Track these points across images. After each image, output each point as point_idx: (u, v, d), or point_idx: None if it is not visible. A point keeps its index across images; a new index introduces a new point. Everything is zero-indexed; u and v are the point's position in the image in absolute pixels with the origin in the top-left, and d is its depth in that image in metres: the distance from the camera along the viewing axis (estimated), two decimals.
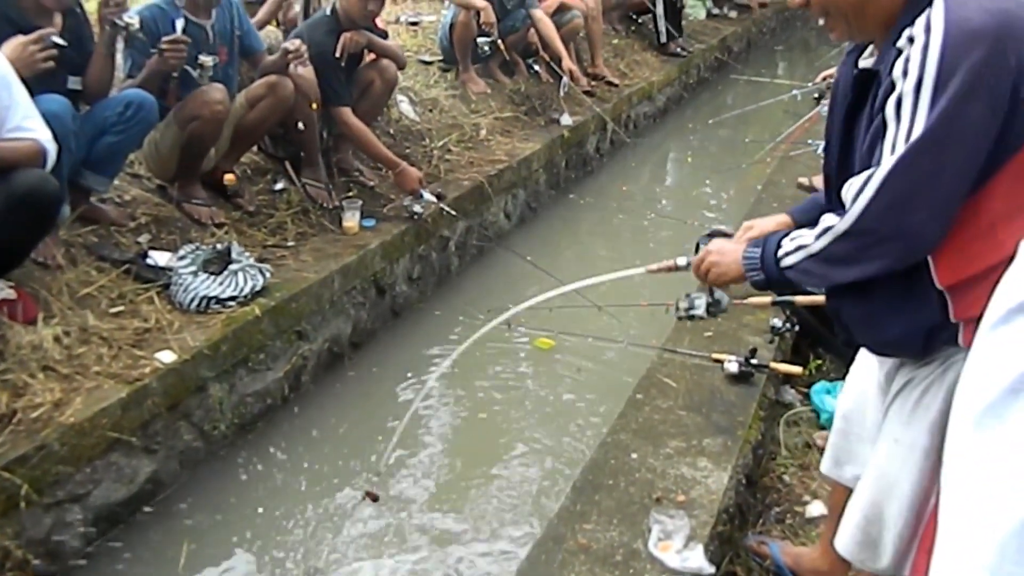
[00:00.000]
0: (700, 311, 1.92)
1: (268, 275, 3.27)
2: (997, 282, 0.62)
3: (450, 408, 3.41)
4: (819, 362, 3.17)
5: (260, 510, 2.84)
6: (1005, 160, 1.27)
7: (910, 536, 1.58)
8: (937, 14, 1.26)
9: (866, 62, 1.42)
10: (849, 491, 1.77)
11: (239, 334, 3.03)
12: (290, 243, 3.69)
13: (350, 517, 2.80)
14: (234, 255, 3.24)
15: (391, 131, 4.74)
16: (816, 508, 2.51)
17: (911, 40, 1.28)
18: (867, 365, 1.75)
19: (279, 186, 3.97)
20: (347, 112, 3.96)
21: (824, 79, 4.95)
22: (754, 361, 2.82)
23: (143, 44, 3.18)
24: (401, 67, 4.37)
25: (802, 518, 2.51)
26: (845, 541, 1.71)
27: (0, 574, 2.27)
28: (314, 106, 3.75)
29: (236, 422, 3.10)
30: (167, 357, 2.78)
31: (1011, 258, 0.63)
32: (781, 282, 1.52)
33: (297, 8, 4.71)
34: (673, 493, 2.29)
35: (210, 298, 3.06)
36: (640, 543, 2.10)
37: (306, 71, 3.69)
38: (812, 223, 1.45)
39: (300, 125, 3.79)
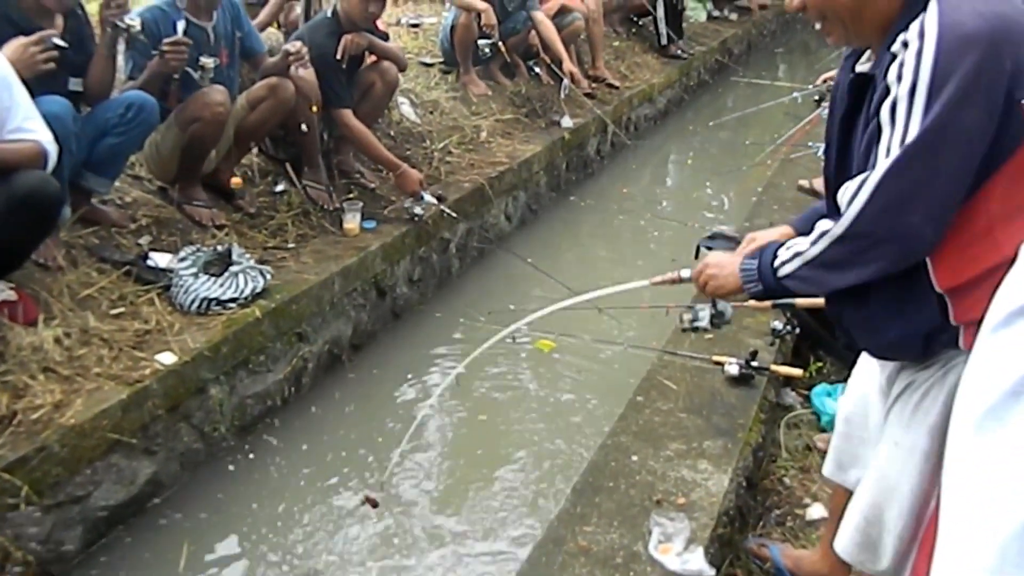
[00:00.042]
0: (704, 322, 1.94)
1: (269, 277, 3.27)
2: (997, 285, 0.62)
3: (450, 409, 3.41)
4: (819, 364, 3.17)
5: (260, 512, 2.84)
6: (1001, 162, 1.28)
7: (910, 538, 1.58)
8: (931, 19, 1.26)
9: (863, 66, 1.43)
10: (850, 494, 1.77)
11: (239, 336, 3.03)
12: (291, 245, 3.69)
13: (350, 518, 2.80)
14: (235, 257, 3.24)
15: (392, 133, 4.74)
16: (816, 511, 2.51)
17: (905, 45, 1.28)
18: (868, 368, 1.75)
19: (280, 188, 3.98)
20: (348, 114, 3.96)
21: (824, 81, 4.95)
22: (755, 363, 2.82)
23: (144, 46, 3.18)
24: (402, 69, 4.37)
25: (802, 521, 2.51)
26: (845, 543, 1.71)
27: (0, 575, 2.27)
28: (314, 109, 3.75)
29: (236, 424, 3.10)
30: (167, 359, 2.78)
31: (1010, 260, 0.63)
32: (779, 292, 1.52)
33: (298, 10, 4.71)
34: (673, 495, 2.28)
35: (210, 300, 3.06)
36: (640, 545, 2.09)
37: (307, 73, 3.70)
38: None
39: (303, 127, 3.79)
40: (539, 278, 4.04)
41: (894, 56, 1.30)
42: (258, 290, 3.19)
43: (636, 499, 2.27)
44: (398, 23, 6.03)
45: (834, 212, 1.44)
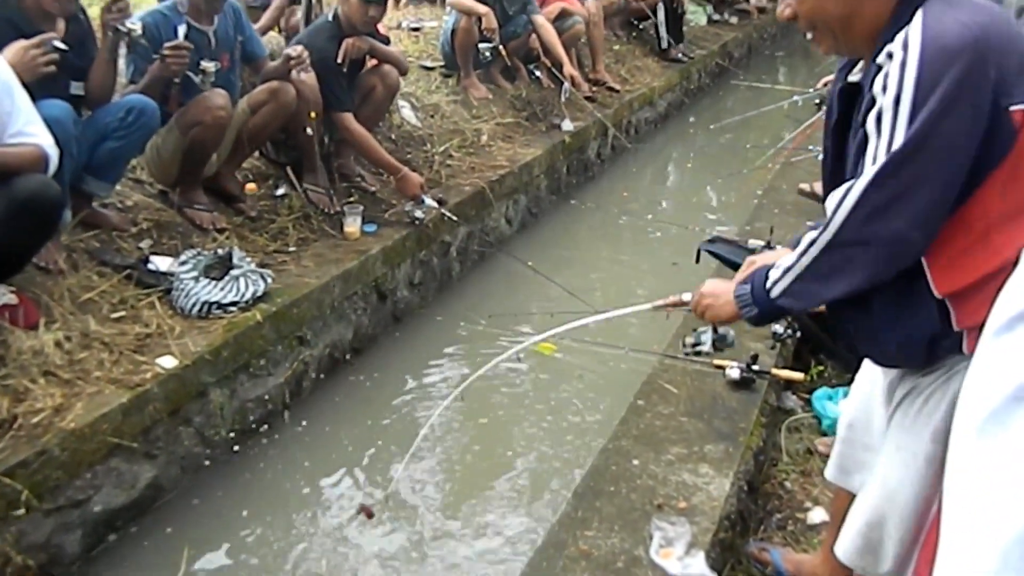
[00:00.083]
0: (706, 347, 1.96)
1: (269, 280, 3.27)
2: (999, 289, 0.62)
3: (451, 412, 3.40)
4: (820, 368, 3.17)
5: (261, 516, 2.84)
6: (992, 168, 1.29)
7: (911, 543, 1.57)
8: (915, 31, 1.28)
9: (854, 76, 1.44)
10: (851, 498, 1.77)
11: (240, 339, 3.03)
12: (291, 248, 3.69)
13: (352, 523, 2.79)
14: (235, 260, 3.24)
15: (392, 136, 4.75)
16: (818, 515, 2.51)
17: (890, 56, 1.30)
18: (871, 373, 1.75)
19: (281, 191, 3.98)
20: (349, 118, 3.97)
21: (825, 85, 4.95)
22: (755, 367, 2.82)
23: (145, 50, 3.19)
24: (403, 73, 4.37)
25: (803, 525, 2.51)
26: (846, 547, 1.71)
27: None
28: (313, 116, 3.75)
29: (237, 428, 3.10)
30: (168, 362, 2.78)
31: (1010, 264, 0.63)
32: (775, 313, 1.53)
33: (299, 14, 4.73)
34: (674, 499, 2.28)
35: (211, 303, 3.06)
36: (641, 550, 2.09)
37: (308, 77, 3.70)
38: None
39: (308, 130, 3.80)
40: (540, 281, 4.04)
41: (880, 67, 1.32)
42: (259, 294, 3.19)
43: (637, 503, 2.27)
44: (399, 27, 6.04)
45: None
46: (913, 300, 1.39)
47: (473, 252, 4.67)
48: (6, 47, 2.61)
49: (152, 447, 2.74)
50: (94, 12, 3.26)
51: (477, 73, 5.59)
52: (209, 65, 3.37)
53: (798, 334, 3.18)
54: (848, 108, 1.43)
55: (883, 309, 1.43)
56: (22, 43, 2.61)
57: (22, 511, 2.30)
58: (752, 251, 3.05)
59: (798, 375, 2.94)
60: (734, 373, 2.80)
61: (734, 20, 10.00)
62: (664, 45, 7.80)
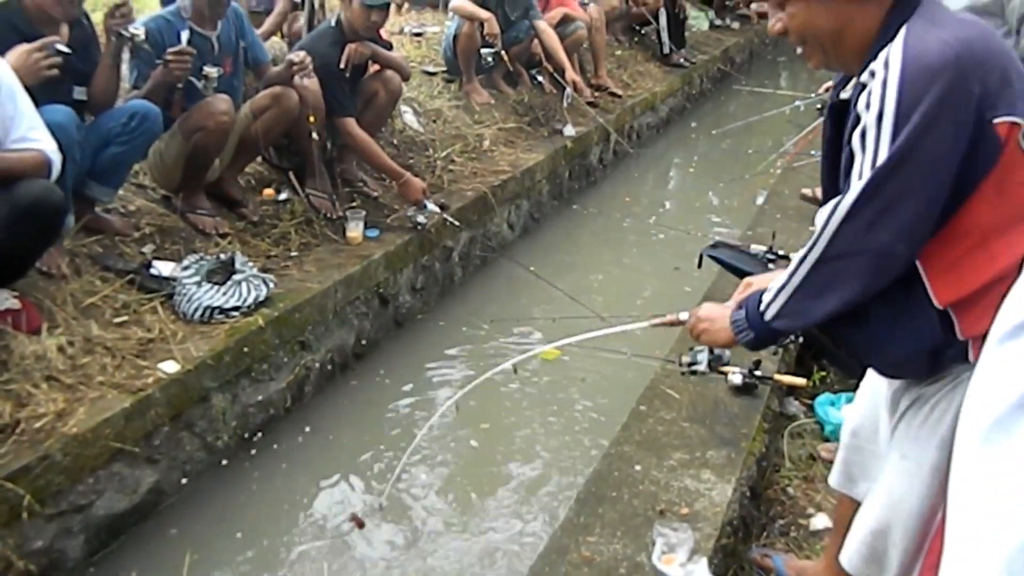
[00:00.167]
0: (703, 366, 1.97)
1: (271, 285, 3.27)
2: (1001, 296, 0.62)
3: (453, 418, 3.40)
4: (823, 374, 3.16)
5: (263, 521, 2.84)
6: (980, 179, 1.31)
7: (916, 552, 1.57)
8: (895, 49, 1.31)
9: (845, 94, 1.46)
10: (855, 504, 1.77)
11: (242, 344, 3.03)
12: (293, 253, 3.70)
13: (352, 528, 2.79)
14: (238, 265, 3.25)
15: (395, 142, 4.75)
16: (820, 521, 2.50)
17: (872, 75, 1.33)
18: (876, 380, 1.75)
19: (283, 196, 3.98)
20: (351, 123, 3.97)
21: (826, 89, 4.95)
22: (758, 373, 2.81)
23: (148, 55, 3.20)
24: (405, 78, 4.38)
25: (806, 531, 2.50)
26: (851, 555, 1.71)
27: None
28: (312, 120, 3.76)
29: (239, 432, 3.10)
30: (170, 367, 2.78)
31: (1008, 271, 0.63)
32: (771, 336, 1.54)
33: (302, 20, 4.74)
34: (677, 505, 2.28)
35: (213, 308, 3.06)
36: (644, 556, 2.09)
37: (311, 83, 3.71)
38: None
39: (314, 134, 3.81)
40: (542, 286, 4.04)
41: (864, 85, 1.35)
42: (261, 298, 3.19)
43: (639, 509, 2.26)
44: (401, 32, 6.05)
45: None
46: (912, 313, 1.40)
47: (475, 257, 4.67)
48: (9, 51, 2.62)
49: (154, 452, 2.74)
50: (97, 17, 3.27)
51: (479, 78, 5.60)
52: (212, 70, 3.37)
53: (801, 339, 3.17)
54: (839, 124, 1.45)
55: (882, 324, 1.44)
56: (25, 47, 2.62)
57: (24, 516, 2.30)
58: (755, 256, 3.04)
59: (801, 380, 2.93)
60: (736, 379, 2.79)
61: (736, 25, 10.02)
62: (666, 50, 7.81)
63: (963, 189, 1.31)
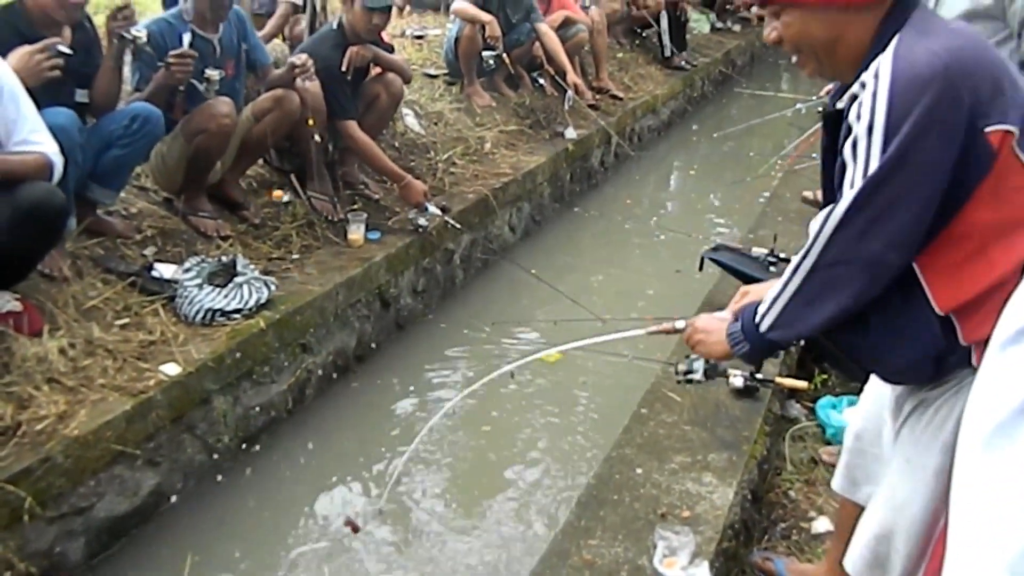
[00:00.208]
0: (698, 375, 1.98)
1: (273, 288, 3.27)
2: (1003, 301, 0.62)
3: (454, 420, 3.40)
4: (824, 377, 3.16)
5: (264, 523, 2.84)
6: (976, 183, 1.32)
7: (919, 557, 1.57)
8: (885, 61, 1.32)
9: (840, 103, 1.46)
10: (857, 508, 1.76)
11: (244, 347, 3.03)
12: (295, 256, 3.70)
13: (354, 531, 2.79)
14: (239, 268, 3.25)
15: (396, 144, 4.76)
16: (822, 524, 2.50)
17: (863, 86, 1.34)
18: (880, 385, 1.75)
19: (285, 199, 3.99)
20: (353, 126, 3.98)
21: (827, 93, 4.95)
22: (759, 376, 2.81)
23: (150, 58, 3.20)
24: (407, 81, 4.39)
25: (808, 534, 2.50)
26: (854, 560, 1.71)
27: None
28: (311, 122, 3.76)
29: (240, 435, 3.10)
30: (172, 370, 2.78)
31: (1008, 276, 0.63)
32: (767, 347, 1.54)
33: (303, 23, 4.74)
34: (678, 509, 2.27)
35: (215, 311, 3.06)
36: (645, 559, 2.08)
37: (312, 86, 3.71)
38: None
39: (316, 137, 3.81)
40: (543, 289, 4.04)
41: (855, 96, 1.36)
42: (262, 301, 3.19)
43: (640, 512, 2.26)
44: (403, 35, 6.06)
45: None
46: (914, 320, 1.40)
47: (477, 259, 4.67)
48: (10, 53, 2.62)
49: (155, 454, 2.74)
50: (100, 20, 3.27)
51: (481, 81, 5.60)
52: (214, 73, 3.38)
53: (802, 342, 3.17)
54: (835, 133, 1.46)
55: (885, 331, 1.44)
56: (26, 48, 2.63)
57: (25, 518, 2.30)
58: (756, 259, 3.04)
59: (802, 384, 2.93)
60: (737, 382, 2.79)
61: (737, 28, 10.02)
62: (667, 53, 7.81)
63: (958, 196, 1.32)
